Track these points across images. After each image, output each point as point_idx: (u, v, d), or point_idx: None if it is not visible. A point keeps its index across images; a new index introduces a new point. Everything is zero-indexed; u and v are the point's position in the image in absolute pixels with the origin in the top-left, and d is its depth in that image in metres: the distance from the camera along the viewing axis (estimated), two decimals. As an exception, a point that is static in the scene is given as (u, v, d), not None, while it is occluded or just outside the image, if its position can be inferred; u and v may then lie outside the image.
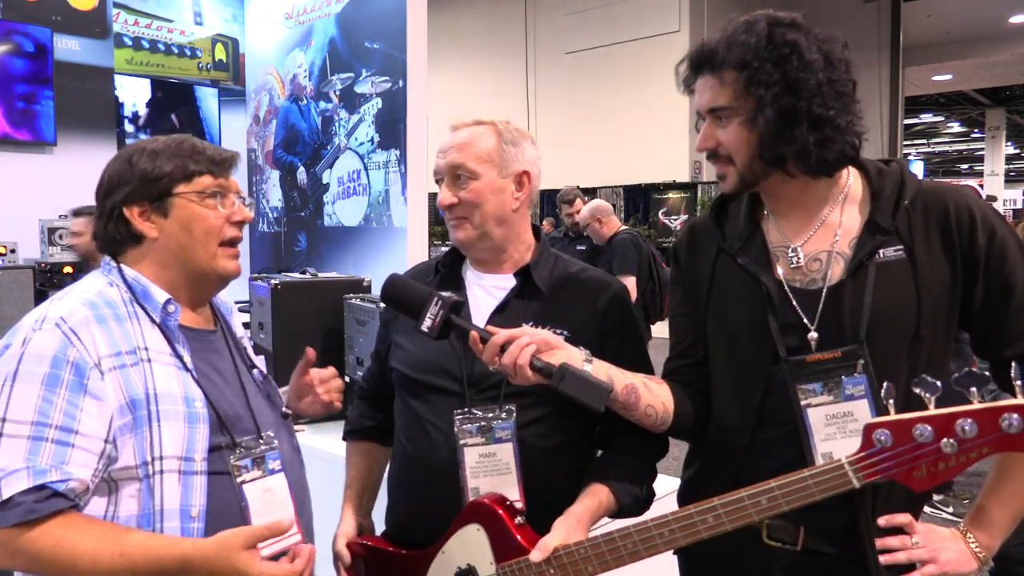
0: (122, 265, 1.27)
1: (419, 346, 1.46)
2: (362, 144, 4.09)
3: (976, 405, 1.00)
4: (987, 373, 1.05)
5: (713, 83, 1.22)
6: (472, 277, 1.52)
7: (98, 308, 1.19)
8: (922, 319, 1.19)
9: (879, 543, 1.21)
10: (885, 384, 1.08)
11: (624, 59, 12.33)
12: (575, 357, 1.23)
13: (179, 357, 1.23)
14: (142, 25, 5.21)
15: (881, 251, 1.21)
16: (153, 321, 1.23)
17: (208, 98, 5.54)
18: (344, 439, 1.70)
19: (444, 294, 1.27)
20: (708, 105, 1.24)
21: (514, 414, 1.38)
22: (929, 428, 1.02)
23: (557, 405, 1.36)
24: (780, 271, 1.27)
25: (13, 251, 4.24)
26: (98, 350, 1.14)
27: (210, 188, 1.28)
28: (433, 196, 1.58)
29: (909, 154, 28.16)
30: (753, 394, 1.28)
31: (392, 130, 3.88)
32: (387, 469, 1.58)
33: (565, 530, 1.26)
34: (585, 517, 1.31)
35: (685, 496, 1.39)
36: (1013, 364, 1.02)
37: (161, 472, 1.16)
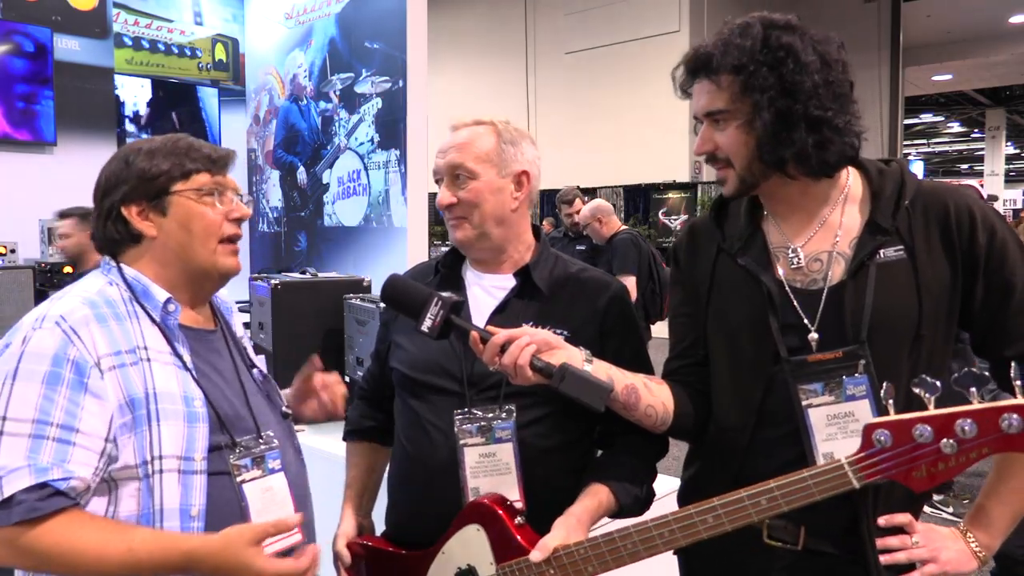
0: (122, 264, 1.27)
1: (419, 346, 1.46)
2: (362, 144, 4.09)
3: (976, 405, 1.00)
4: (987, 373, 1.05)
5: (710, 87, 1.22)
6: (472, 277, 1.52)
7: (98, 307, 1.19)
8: (923, 319, 1.19)
9: (879, 543, 1.21)
10: (884, 384, 1.08)
11: (624, 59, 12.33)
12: (575, 357, 1.23)
13: (179, 356, 1.23)
14: (142, 25, 5.21)
15: (882, 251, 1.21)
16: (153, 320, 1.23)
17: (208, 98, 5.54)
18: (344, 439, 1.70)
19: (444, 294, 1.27)
20: (705, 109, 1.24)
21: (514, 414, 1.38)
22: (929, 428, 1.02)
23: (557, 405, 1.36)
24: (780, 271, 1.28)
25: (13, 251, 4.25)
26: (98, 349, 1.14)
27: (207, 186, 1.28)
28: (433, 196, 1.58)
29: (909, 154, 28.15)
30: (753, 394, 1.28)
31: (392, 130, 3.89)
32: (387, 469, 1.58)
33: (565, 530, 1.26)
34: (585, 517, 1.31)
35: (685, 496, 1.39)
36: (1013, 364, 1.02)
37: (161, 472, 1.16)
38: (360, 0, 4.09)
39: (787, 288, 1.26)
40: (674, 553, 1.39)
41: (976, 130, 24.99)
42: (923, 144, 28.81)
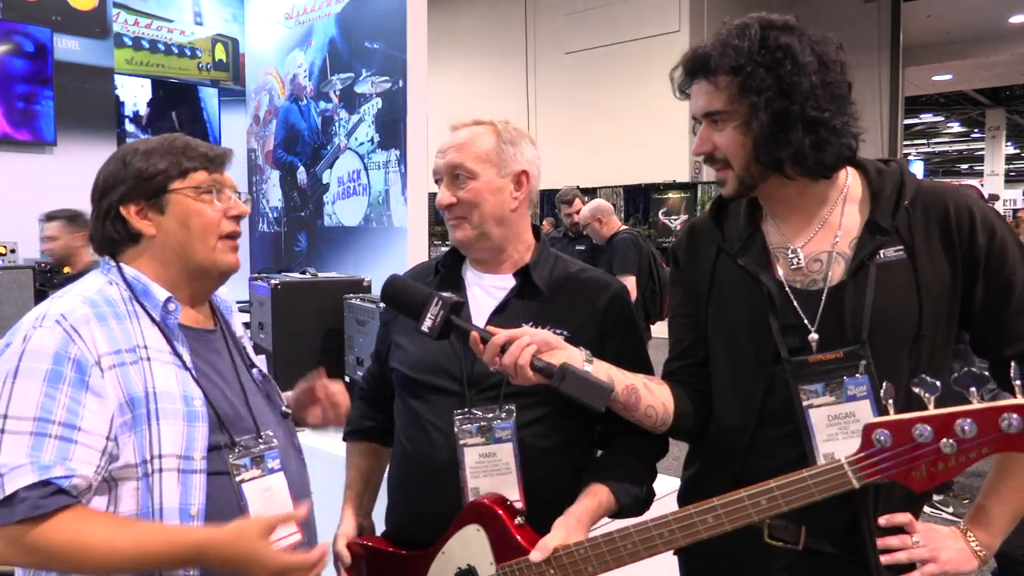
0: (121, 264, 1.27)
1: (419, 346, 1.46)
2: (362, 144, 4.09)
3: (975, 405, 1.00)
4: (987, 373, 1.05)
5: (708, 88, 1.22)
6: (472, 277, 1.52)
7: (98, 306, 1.19)
8: (923, 319, 1.19)
9: (880, 543, 1.21)
10: (884, 384, 1.08)
11: (624, 59, 12.32)
12: (575, 357, 1.23)
13: (178, 356, 1.23)
14: (142, 25, 5.20)
15: (882, 251, 1.21)
16: (153, 320, 1.23)
17: (208, 98, 5.54)
18: (344, 439, 1.70)
19: (444, 294, 1.27)
20: (703, 110, 1.24)
21: (514, 414, 1.38)
22: (928, 428, 1.02)
23: (557, 405, 1.36)
24: (780, 272, 1.28)
25: (13, 251, 4.25)
26: (98, 348, 1.15)
27: (205, 183, 1.28)
28: (433, 196, 1.58)
29: (909, 154, 28.15)
30: (754, 394, 1.28)
31: (392, 130, 3.89)
32: (387, 469, 1.58)
33: (565, 530, 1.26)
34: (585, 517, 1.31)
35: (685, 497, 1.39)
36: (1013, 364, 1.02)
37: (160, 471, 1.16)
38: (360, 0, 4.09)
39: (787, 288, 1.26)
40: (674, 553, 1.39)
41: (976, 130, 24.99)
42: (923, 144, 28.80)
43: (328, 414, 1.52)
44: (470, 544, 1.33)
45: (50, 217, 3.87)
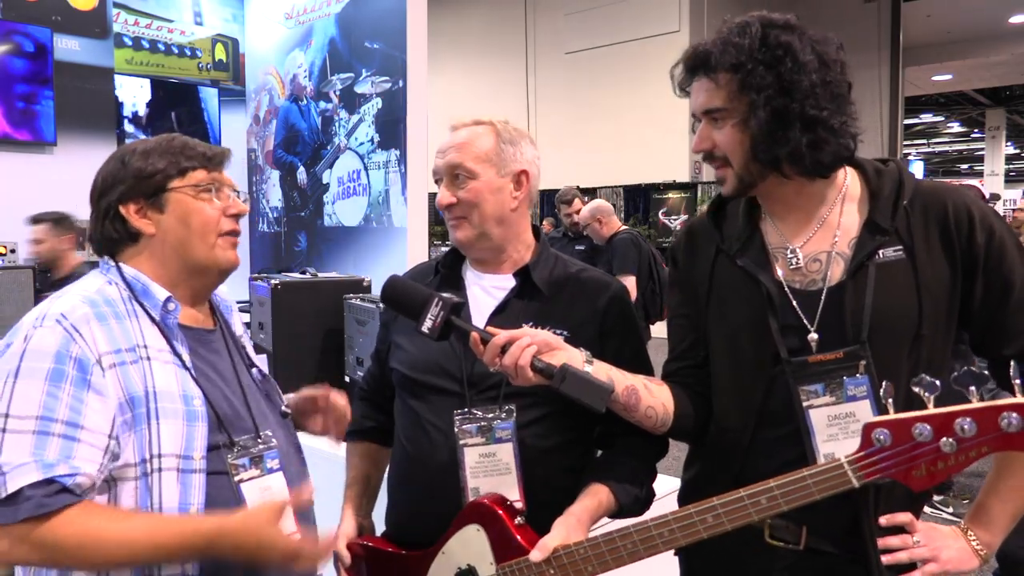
0: (120, 264, 1.27)
1: (419, 346, 1.46)
2: (362, 144, 4.09)
3: (975, 404, 1.00)
4: (986, 372, 1.06)
5: (708, 85, 1.22)
6: (472, 277, 1.52)
7: (98, 306, 1.19)
8: (923, 319, 1.19)
9: (881, 543, 1.21)
10: (884, 383, 1.08)
11: (624, 59, 12.32)
12: (576, 358, 1.23)
13: (178, 356, 1.23)
14: (142, 25, 5.20)
15: (881, 251, 1.21)
16: (152, 320, 1.23)
17: (209, 98, 5.54)
18: (344, 439, 1.69)
19: (444, 295, 1.27)
20: (703, 107, 1.24)
21: (514, 414, 1.38)
22: (928, 427, 1.02)
23: (557, 405, 1.35)
24: (779, 272, 1.28)
25: (13, 251, 4.25)
26: (99, 347, 1.15)
27: (204, 182, 1.29)
28: (433, 196, 1.58)
29: (909, 154, 28.14)
30: (754, 395, 1.28)
31: (392, 130, 3.89)
32: (387, 469, 1.58)
33: (565, 530, 1.26)
34: (585, 517, 1.31)
35: (686, 498, 1.39)
36: (1012, 362, 1.02)
37: (159, 470, 1.16)
38: (360, 0, 4.09)
39: (786, 289, 1.26)
40: (675, 553, 1.39)
41: (976, 130, 24.98)
42: (923, 144, 28.80)
43: (328, 425, 1.51)
44: (470, 544, 1.34)
45: (36, 220, 3.87)
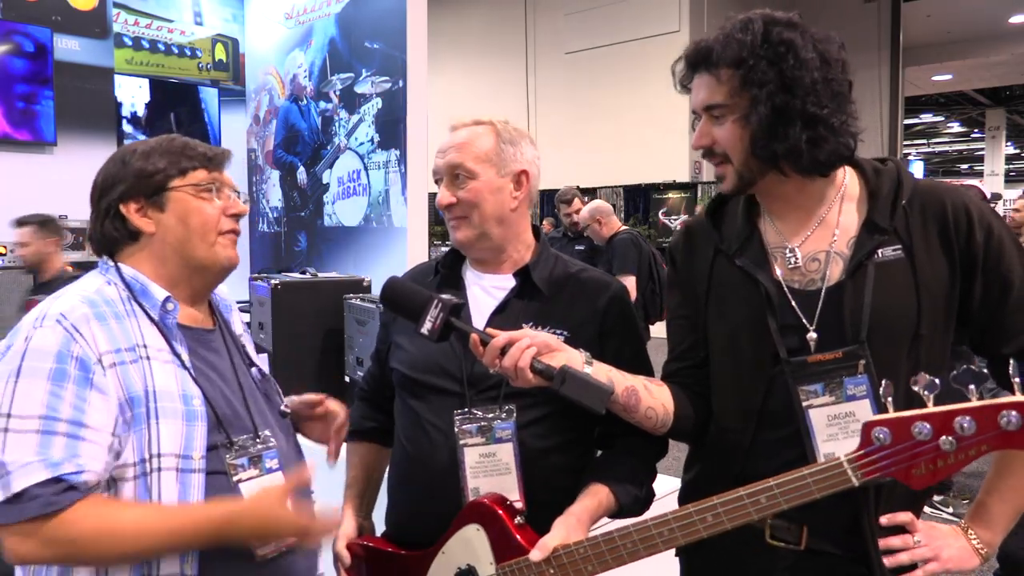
0: (120, 264, 1.27)
1: (419, 347, 1.46)
2: (362, 144, 4.09)
3: (975, 403, 1.00)
4: (985, 371, 1.06)
5: (709, 81, 1.22)
6: (472, 277, 1.52)
7: (97, 306, 1.19)
8: (922, 318, 1.19)
9: (882, 543, 1.21)
10: (883, 382, 1.08)
11: (624, 59, 12.32)
12: (575, 359, 1.22)
13: (177, 355, 1.23)
14: (142, 25, 5.20)
15: (880, 251, 1.21)
16: (151, 319, 1.23)
17: (209, 98, 5.54)
18: (344, 440, 1.69)
19: (444, 297, 1.27)
20: (704, 103, 1.24)
21: (514, 414, 1.38)
22: (928, 426, 1.02)
23: (557, 405, 1.35)
24: (778, 272, 1.27)
25: (13, 251, 4.24)
26: (99, 346, 1.15)
27: (205, 181, 1.29)
28: (433, 196, 1.58)
29: (909, 154, 28.14)
30: (754, 395, 1.28)
31: (392, 130, 3.89)
32: (387, 470, 1.58)
33: (565, 530, 1.26)
34: (585, 517, 1.31)
35: (686, 499, 1.38)
36: (1011, 361, 1.02)
37: (159, 470, 1.16)
38: (360, 0, 4.09)
39: (785, 288, 1.26)
40: (676, 554, 1.39)
41: (976, 130, 24.98)
42: (923, 144, 28.80)
43: (326, 434, 1.50)
44: (470, 544, 1.33)
45: (21, 223, 3.87)
